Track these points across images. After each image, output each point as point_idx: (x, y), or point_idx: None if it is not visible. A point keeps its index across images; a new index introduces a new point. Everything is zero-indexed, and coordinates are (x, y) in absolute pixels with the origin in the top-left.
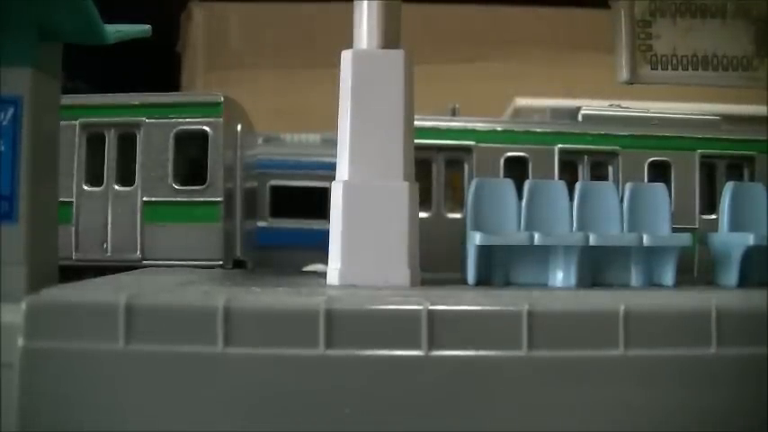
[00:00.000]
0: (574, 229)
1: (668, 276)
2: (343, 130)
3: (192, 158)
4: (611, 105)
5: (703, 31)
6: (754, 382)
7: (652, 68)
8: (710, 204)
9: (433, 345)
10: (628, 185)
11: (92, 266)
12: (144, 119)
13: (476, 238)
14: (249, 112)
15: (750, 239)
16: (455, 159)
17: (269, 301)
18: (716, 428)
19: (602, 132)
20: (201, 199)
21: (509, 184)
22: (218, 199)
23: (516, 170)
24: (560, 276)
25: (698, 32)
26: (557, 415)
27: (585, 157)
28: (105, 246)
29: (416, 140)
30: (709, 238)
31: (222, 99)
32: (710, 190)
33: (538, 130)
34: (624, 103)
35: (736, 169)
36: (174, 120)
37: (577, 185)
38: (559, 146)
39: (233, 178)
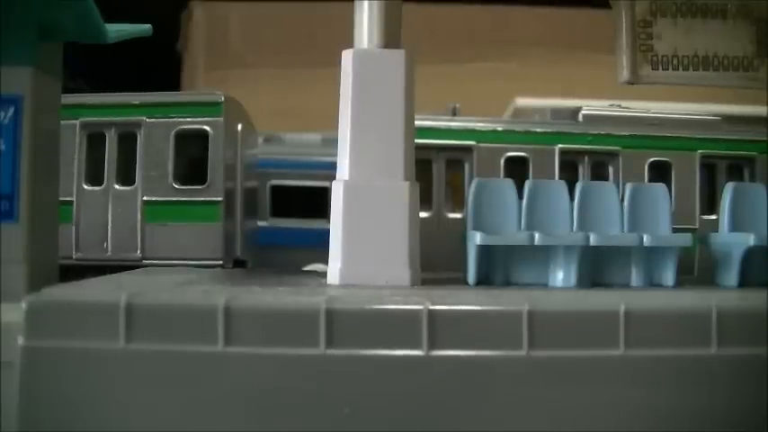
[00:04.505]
0: (574, 229)
1: (668, 276)
2: (344, 129)
3: (192, 158)
4: (611, 105)
5: (704, 31)
6: (754, 382)
7: (653, 69)
8: (711, 205)
9: (433, 345)
10: (628, 185)
11: (92, 266)
12: (144, 118)
13: (476, 238)
14: (249, 112)
15: (750, 240)
16: (455, 159)
17: (269, 301)
18: (716, 428)
19: (603, 132)
20: (202, 198)
21: (509, 184)
22: (219, 198)
23: (516, 170)
24: (560, 276)
25: (699, 33)
26: (557, 415)
27: (586, 157)
28: (106, 245)
29: (417, 140)
30: (710, 238)
31: (223, 98)
32: (711, 190)
33: (538, 130)
34: (624, 103)
35: (737, 170)
36: (174, 119)
37: (578, 185)
38: (560, 146)
39: (233, 178)
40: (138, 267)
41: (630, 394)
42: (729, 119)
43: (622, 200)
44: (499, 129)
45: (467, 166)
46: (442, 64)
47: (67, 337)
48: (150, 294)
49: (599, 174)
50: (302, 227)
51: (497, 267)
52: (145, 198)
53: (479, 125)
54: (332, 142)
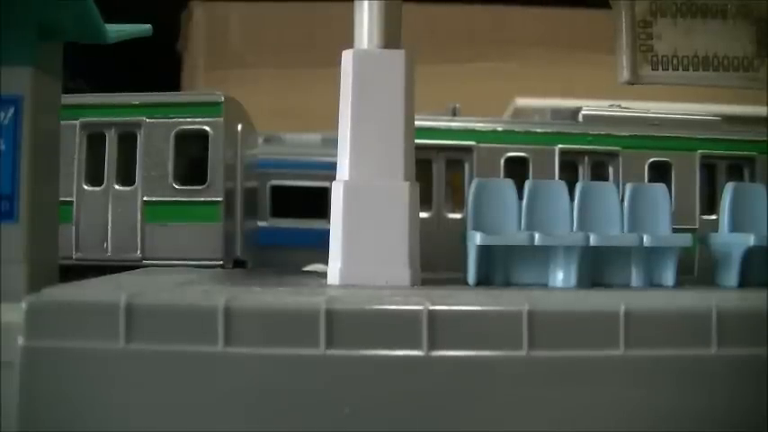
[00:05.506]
0: (574, 229)
1: (668, 276)
2: (344, 129)
3: (192, 158)
4: (611, 105)
5: (704, 31)
6: (754, 382)
7: (653, 69)
8: (711, 205)
9: (433, 345)
10: (628, 186)
11: (92, 266)
12: (144, 118)
13: (476, 238)
14: (249, 112)
15: (750, 240)
16: (455, 159)
17: (269, 301)
18: (716, 428)
19: (603, 132)
20: (202, 199)
21: (509, 185)
22: (219, 199)
23: (516, 170)
24: (560, 276)
25: (698, 33)
26: (557, 415)
27: (586, 157)
28: (106, 245)
29: (417, 140)
30: (710, 238)
31: (223, 98)
32: (711, 190)
33: (538, 130)
34: (624, 104)
35: (737, 170)
36: (174, 119)
37: (578, 186)
38: (560, 146)
39: (233, 178)
40: (138, 267)
41: (630, 394)
42: (729, 119)
43: (622, 200)
44: (499, 129)
45: (467, 166)
46: (441, 64)
47: (67, 337)
48: (150, 294)
49: (599, 174)
50: (302, 227)
51: (497, 267)
52: (145, 198)
53: (479, 125)
54: (332, 142)
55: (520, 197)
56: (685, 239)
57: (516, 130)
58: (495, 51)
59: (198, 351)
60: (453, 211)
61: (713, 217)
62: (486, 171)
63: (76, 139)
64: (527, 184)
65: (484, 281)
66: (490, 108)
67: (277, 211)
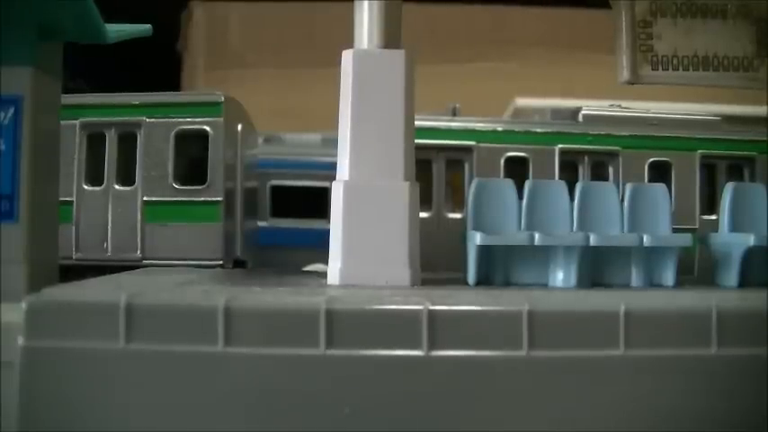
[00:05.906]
0: (574, 229)
1: (668, 276)
2: (344, 129)
3: (192, 158)
4: (611, 105)
5: (704, 31)
6: (754, 382)
7: (653, 69)
8: (711, 205)
9: (433, 345)
10: (628, 186)
11: (92, 266)
12: (144, 118)
13: (476, 238)
14: (249, 112)
15: (750, 240)
16: (455, 159)
17: (269, 301)
18: (716, 428)
19: (603, 132)
20: (202, 198)
21: (509, 185)
22: (219, 198)
23: (516, 170)
24: (560, 276)
25: (699, 33)
26: (557, 415)
27: (586, 157)
28: (106, 245)
29: (417, 140)
30: (710, 238)
31: (223, 98)
32: (711, 190)
33: (538, 130)
34: (624, 104)
35: (737, 170)
36: (174, 119)
37: (578, 186)
38: (560, 146)
39: (233, 178)
40: (138, 267)
41: (630, 394)
42: (729, 119)
43: (622, 200)
44: (499, 129)
45: (467, 166)
46: (442, 64)
47: (67, 337)
48: (150, 294)
49: (599, 174)
50: (302, 227)
51: (497, 267)
52: (145, 198)
53: (479, 125)
54: (332, 142)
55: (520, 197)
56: (685, 239)
57: (516, 130)
58: (495, 51)
59: (198, 351)
60: (453, 211)
61: (713, 217)
62: (486, 171)
63: (76, 139)
64: (527, 184)
65: (484, 281)
66: (490, 108)
67: (277, 211)
